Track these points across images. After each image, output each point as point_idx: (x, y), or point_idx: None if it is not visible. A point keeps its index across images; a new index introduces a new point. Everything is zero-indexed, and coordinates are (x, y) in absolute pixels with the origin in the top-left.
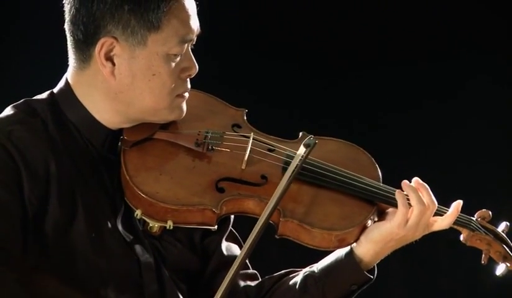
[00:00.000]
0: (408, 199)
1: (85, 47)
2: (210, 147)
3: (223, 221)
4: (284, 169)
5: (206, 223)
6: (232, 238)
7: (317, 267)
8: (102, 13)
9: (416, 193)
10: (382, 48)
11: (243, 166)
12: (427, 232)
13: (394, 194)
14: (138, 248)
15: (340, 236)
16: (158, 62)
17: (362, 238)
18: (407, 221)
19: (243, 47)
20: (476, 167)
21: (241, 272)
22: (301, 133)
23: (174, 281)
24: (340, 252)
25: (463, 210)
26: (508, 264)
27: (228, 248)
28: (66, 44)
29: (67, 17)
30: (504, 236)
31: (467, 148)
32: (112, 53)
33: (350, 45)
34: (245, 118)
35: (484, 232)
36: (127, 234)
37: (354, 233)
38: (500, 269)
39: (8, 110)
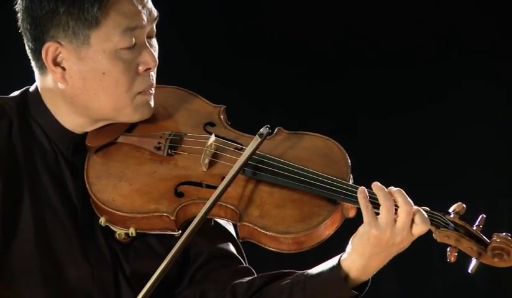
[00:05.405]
0: (373, 198)
1: (38, 55)
2: (170, 150)
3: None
4: (245, 171)
5: (168, 228)
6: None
7: (306, 274)
8: (42, 19)
9: (382, 191)
10: (372, 50)
11: (204, 169)
12: (412, 237)
13: (355, 191)
14: (94, 256)
15: (298, 239)
16: (106, 60)
17: (347, 248)
18: (376, 218)
19: (227, 45)
20: (469, 172)
21: (232, 268)
22: (276, 129)
23: (134, 290)
24: (329, 264)
25: None
26: (480, 260)
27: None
28: None
29: (20, 27)
30: (475, 231)
31: (459, 152)
32: (59, 58)
33: (340, 45)
34: (222, 116)
35: (454, 228)
36: (85, 242)
37: (313, 235)
38: (472, 264)
39: None
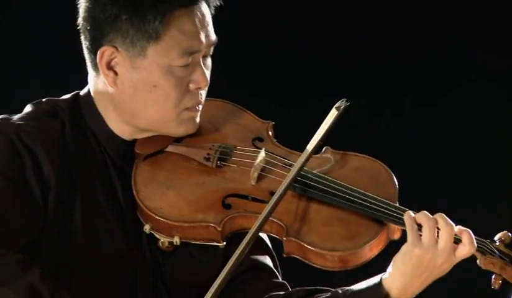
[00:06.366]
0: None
1: (93, 55)
2: (219, 162)
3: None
4: (294, 187)
5: (213, 239)
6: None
7: (346, 291)
8: (103, 22)
9: (424, 212)
10: (376, 50)
11: (253, 182)
12: (454, 259)
13: (402, 214)
14: (137, 259)
15: (343, 257)
16: (159, 73)
17: (389, 268)
18: (420, 238)
19: (237, 45)
20: (469, 172)
21: (268, 281)
22: (324, 148)
23: (172, 296)
24: (370, 282)
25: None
26: None
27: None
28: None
29: (80, 24)
30: None
31: (459, 152)
32: (113, 63)
33: (340, 45)
34: (270, 132)
35: (499, 256)
36: (130, 246)
37: (359, 255)
38: None
39: (27, 108)
